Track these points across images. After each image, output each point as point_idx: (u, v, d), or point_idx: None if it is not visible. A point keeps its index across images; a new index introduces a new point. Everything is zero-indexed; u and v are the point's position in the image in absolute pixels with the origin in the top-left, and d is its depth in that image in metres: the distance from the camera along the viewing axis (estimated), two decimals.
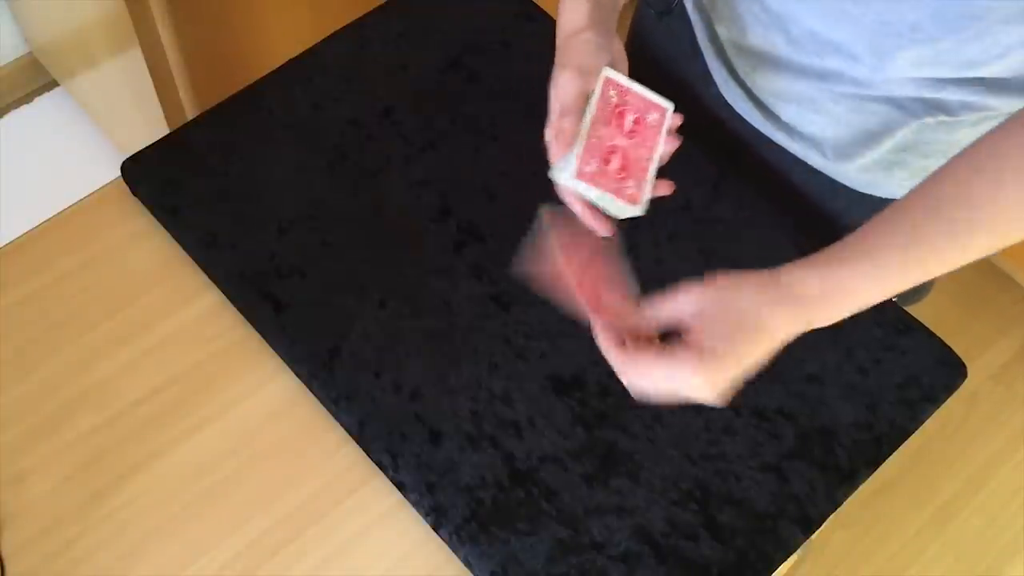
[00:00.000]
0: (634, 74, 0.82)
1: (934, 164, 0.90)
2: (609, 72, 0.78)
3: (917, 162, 0.91)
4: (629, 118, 0.78)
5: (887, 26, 0.77)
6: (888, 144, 0.90)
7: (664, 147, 0.80)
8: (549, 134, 0.77)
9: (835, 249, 0.69)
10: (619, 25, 0.85)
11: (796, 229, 0.96)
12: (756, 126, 0.99)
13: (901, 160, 0.91)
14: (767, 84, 0.93)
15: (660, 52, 1.08)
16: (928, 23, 0.75)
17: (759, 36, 0.88)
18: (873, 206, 0.96)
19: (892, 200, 0.95)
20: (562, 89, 0.77)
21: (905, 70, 0.81)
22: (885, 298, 0.68)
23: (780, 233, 0.96)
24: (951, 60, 0.78)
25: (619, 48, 0.82)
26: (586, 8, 0.79)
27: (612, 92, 0.78)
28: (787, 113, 0.94)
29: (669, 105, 0.81)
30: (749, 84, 0.96)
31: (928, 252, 0.67)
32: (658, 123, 0.80)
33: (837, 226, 1.01)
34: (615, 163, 0.77)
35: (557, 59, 0.79)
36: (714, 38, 0.97)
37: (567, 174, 0.75)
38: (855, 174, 0.95)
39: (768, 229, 0.96)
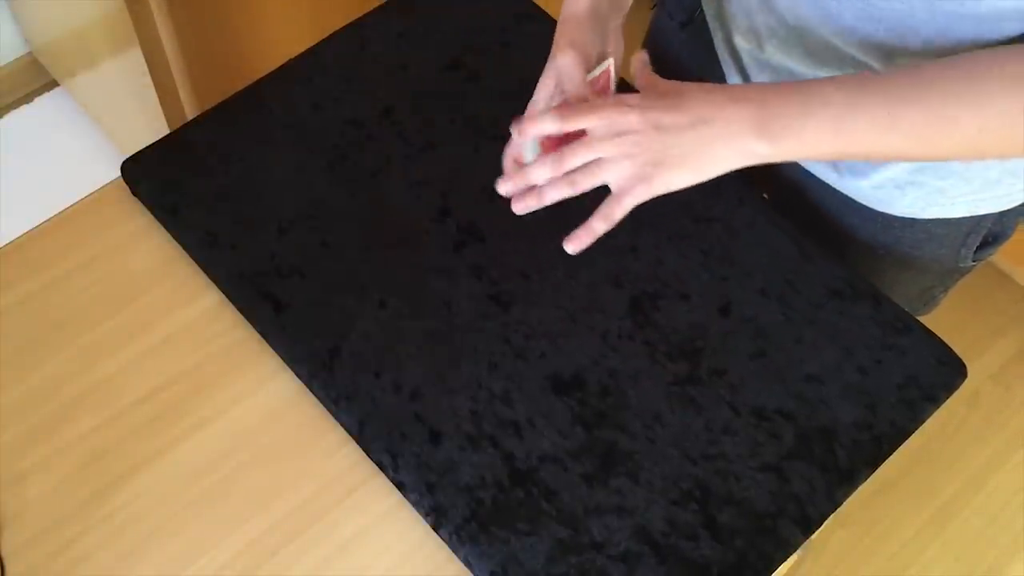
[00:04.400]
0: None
1: (950, 186, 0.90)
2: (611, 65, 0.79)
3: (932, 183, 0.90)
4: None
5: (901, 39, 0.76)
6: (904, 164, 0.89)
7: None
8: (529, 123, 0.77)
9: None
10: (635, 36, 0.85)
11: (798, 229, 0.96)
12: None
13: (916, 180, 0.91)
14: None
15: (679, 62, 1.07)
16: (941, 39, 0.74)
17: (776, 49, 0.87)
18: (886, 223, 0.96)
19: (906, 219, 0.95)
20: (566, 73, 0.77)
21: None
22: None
23: (780, 233, 0.96)
24: None
25: (618, 46, 0.83)
26: (587, 2, 0.80)
27: (600, 83, 0.79)
28: None
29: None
30: None
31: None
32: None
33: (848, 242, 1.00)
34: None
35: (555, 42, 0.80)
36: (732, 49, 0.96)
37: (523, 130, 0.76)
38: (869, 191, 0.94)
39: (768, 229, 0.96)
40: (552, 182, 0.75)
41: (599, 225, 0.75)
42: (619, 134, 0.72)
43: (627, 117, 0.72)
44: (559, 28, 0.80)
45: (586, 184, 0.75)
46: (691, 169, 0.73)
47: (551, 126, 0.73)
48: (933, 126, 0.69)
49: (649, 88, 0.75)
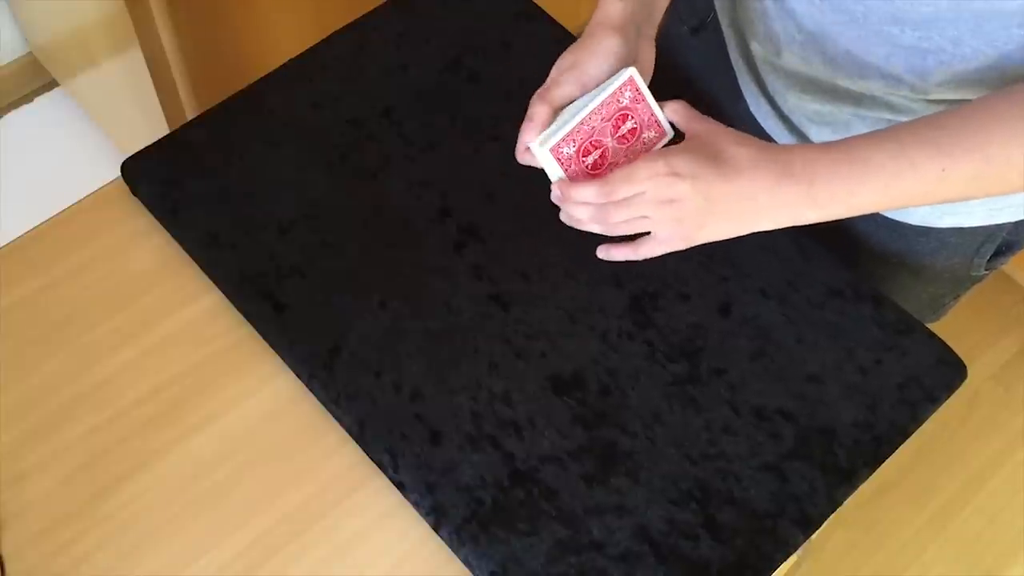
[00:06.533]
0: (660, 88, 0.81)
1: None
2: (634, 73, 0.77)
3: None
4: (628, 124, 0.78)
5: (926, 40, 0.75)
6: None
7: None
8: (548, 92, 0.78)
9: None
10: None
11: (798, 229, 0.96)
12: None
13: None
14: (800, 105, 0.91)
15: (689, 67, 1.06)
16: (969, 36, 0.73)
17: (794, 56, 0.86)
18: (900, 232, 0.95)
19: (920, 227, 0.94)
20: (588, 69, 0.78)
21: (945, 92, 0.79)
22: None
23: (781, 233, 0.96)
24: (994, 78, 0.75)
25: (648, 56, 0.82)
26: (620, 5, 0.80)
27: (627, 93, 0.77)
28: (819, 136, 0.92)
29: (670, 133, 0.81)
30: (780, 103, 0.94)
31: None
32: (652, 143, 0.80)
33: (860, 249, 1.00)
34: (592, 157, 0.77)
35: (587, 34, 0.80)
36: (747, 55, 0.96)
37: (545, 145, 0.75)
38: None
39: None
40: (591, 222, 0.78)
41: (625, 254, 0.80)
42: (668, 201, 0.74)
43: (677, 188, 0.73)
44: (590, 31, 0.80)
45: (624, 232, 0.78)
46: (733, 231, 0.76)
47: (594, 197, 0.75)
48: (989, 173, 0.70)
49: (695, 142, 0.75)
